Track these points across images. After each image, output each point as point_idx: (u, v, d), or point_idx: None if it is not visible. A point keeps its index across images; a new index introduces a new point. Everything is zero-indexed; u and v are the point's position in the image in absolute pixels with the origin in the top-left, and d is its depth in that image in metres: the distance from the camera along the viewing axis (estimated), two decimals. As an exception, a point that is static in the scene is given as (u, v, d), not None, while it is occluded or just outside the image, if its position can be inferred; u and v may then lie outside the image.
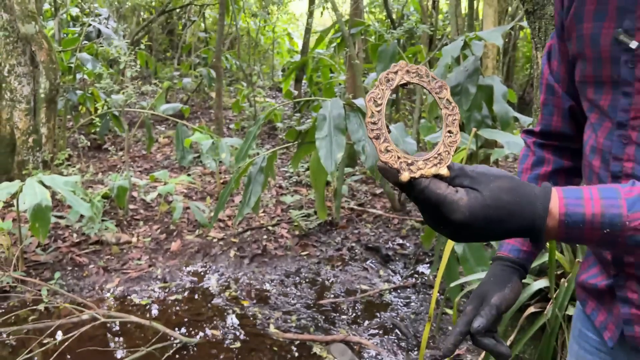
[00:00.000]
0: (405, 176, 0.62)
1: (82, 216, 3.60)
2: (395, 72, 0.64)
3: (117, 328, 2.75)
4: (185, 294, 3.11)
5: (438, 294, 3.05)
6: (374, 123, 0.63)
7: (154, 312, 2.93)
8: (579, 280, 0.95)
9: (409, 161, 0.63)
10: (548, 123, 0.99)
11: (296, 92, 7.23)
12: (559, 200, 0.62)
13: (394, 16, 6.86)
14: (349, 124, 2.95)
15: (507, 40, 3.85)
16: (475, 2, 4.79)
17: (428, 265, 3.46)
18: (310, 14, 7.88)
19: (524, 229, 0.62)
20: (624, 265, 0.80)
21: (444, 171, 0.62)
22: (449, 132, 0.65)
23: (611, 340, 0.86)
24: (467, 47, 3.41)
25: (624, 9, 0.75)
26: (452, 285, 2.09)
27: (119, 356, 2.52)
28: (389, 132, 0.77)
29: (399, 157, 0.63)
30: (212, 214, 3.97)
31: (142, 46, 5.73)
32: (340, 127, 2.85)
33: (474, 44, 3.42)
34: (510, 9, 4.03)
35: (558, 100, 0.96)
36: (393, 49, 4.55)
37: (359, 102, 3.17)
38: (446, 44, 4.76)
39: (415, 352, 2.63)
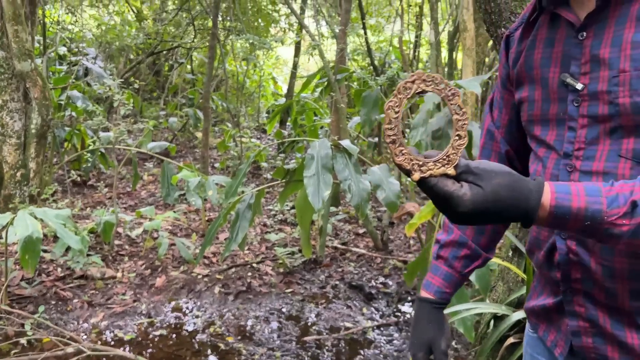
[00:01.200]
0: (416, 176, 0.72)
1: (67, 250, 3.61)
2: (413, 82, 0.73)
3: (102, 362, 2.74)
4: (170, 329, 3.12)
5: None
6: (391, 129, 0.73)
7: (139, 347, 2.93)
8: (528, 307, 1.06)
9: (421, 163, 0.72)
10: None
11: (285, 133, 7.39)
12: (551, 193, 0.72)
13: (376, 64, 7.15)
14: (335, 163, 3.07)
15: (484, 89, 4.08)
16: (454, 53, 5.05)
17: (410, 303, 3.53)
18: (296, 61, 8.15)
19: (517, 218, 0.72)
20: (572, 281, 0.90)
21: (451, 171, 0.72)
22: (458, 135, 0.74)
23: (562, 356, 0.95)
24: (447, 94, 3.60)
25: (570, 56, 0.88)
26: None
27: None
28: (404, 137, 0.88)
29: (411, 160, 0.72)
30: (197, 250, 4.01)
31: (136, 86, 5.84)
32: (327, 166, 2.97)
33: (453, 92, 3.62)
34: (487, 59, 4.28)
35: (496, 145, 1.07)
36: (376, 94, 4.75)
37: (345, 143, 3.30)
38: (427, 91, 4.97)
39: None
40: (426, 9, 6.02)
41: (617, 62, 0.82)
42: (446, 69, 4.96)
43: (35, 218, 2.85)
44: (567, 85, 0.87)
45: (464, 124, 0.74)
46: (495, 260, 1.99)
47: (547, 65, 0.92)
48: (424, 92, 0.73)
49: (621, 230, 0.71)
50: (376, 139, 5.99)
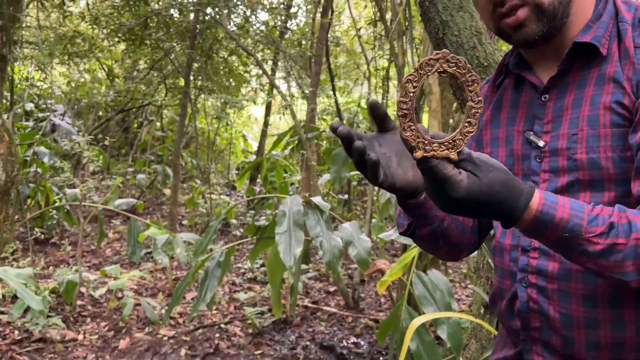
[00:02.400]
0: (419, 154, 0.72)
1: (25, 311, 3.45)
2: (437, 59, 0.72)
3: None
4: (133, 395, 2.97)
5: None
6: (405, 103, 0.71)
7: (99, 415, 2.77)
8: None
9: (426, 142, 0.72)
10: None
11: (257, 189, 7.39)
12: (539, 199, 0.75)
13: (345, 123, 7.31)
14: (307, 220, 3.08)
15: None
16: (420, 114, 5.24)
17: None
18: (266, 122, 8.28)
19: (502, 215, 0.75)
20: (531, 329, 0.92)
21: (453, 156, 0.72)
22: (469, 122, 0.74)
23: None
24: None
25: (534, 116, 0.94)
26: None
27: None
28: (416, 114, 0.88)
29: (418, 137, 0.72)
30: (163, 310, 3.89)
31: (106, 142, 5.81)
32: (299, 223, 2.98)
33: (421, 151, 3.73)
34: (452, 121, 4.45)
35: None
36: (345, 153, 4.84)
37: (317, 199, 3.33)
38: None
39: None
40: (392, 72, 6.27)
41: (576, 121, 0.88)
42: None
43: (-6, 277, 2.74)
44: (531, 142, 0.93)
45: (477, 112, 0.74)
46: (467, 317, 2.00)
47: (512, 125, 0.97)
48: (445, 72, 0.73)
49: (594, 248, 0.74)
50: (346, 196, 6.05)
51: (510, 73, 1.01)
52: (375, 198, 4.82)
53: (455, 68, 0.73)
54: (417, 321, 1.71)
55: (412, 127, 0.72)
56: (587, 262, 0.76)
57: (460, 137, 0.73)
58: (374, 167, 0.78)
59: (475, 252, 2.95)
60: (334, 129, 0.79)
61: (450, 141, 0.73)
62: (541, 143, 0.91)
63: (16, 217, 5.47)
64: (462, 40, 1.79)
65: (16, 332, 3.43)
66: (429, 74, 0.72)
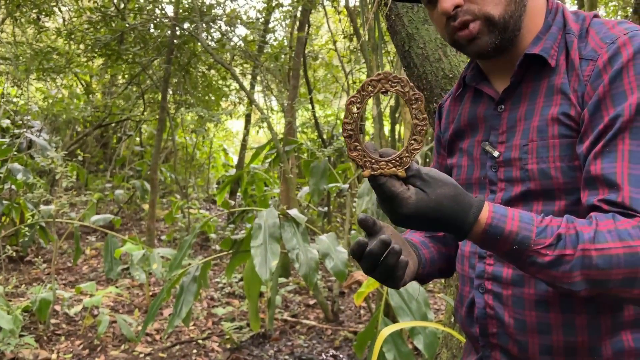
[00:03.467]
0: (366, 172, 0.74)
1: (-3, 331, 3.37)
2: (378, 80, 0.75)
3: None
4: (107, 414, 2.91)
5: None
6: (349, 124, 0.74)
7: None
8: None
9: (373, 160, 0.74)
10: None
11: (236, 203, 7.36)
12: (489, 212, 0.77)
13: (324, 136, 7.36)
14: (283, 233, 3.07)
15: (426, 159, 4.26)
16: (397, 126, 5.30)
17: (361, 376, 3.46)
18: (246, 133, 8.28)
19: (453, 229, 0.77)
20: (489, 335, 0.94)
21: (401, 173, 0.74)
22: (415, 140, 0.76)
23: None
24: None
25: (490, 127, 0.97)
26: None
27: None
28: (361, 133, 0.90)
29: (364, 156, 0.74)
30: (139, 327, 3.83)
31: (80, 158, 5.74)
32: (275, 236, 2.97)
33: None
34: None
35: None
36: (324, 165, 4.86)
37: (293, 212, 3.33)
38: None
39: None
40: (370, 84, 6.33)
41: (527, 132, 0.90)
42: (389, 142, 5.17)
43: (-37, 297, 2.68)
44: (487, 152, 0.96)
45: (422, 129, 0.76)
46: (437, 326, 2.01)
47: (473, 135, 1.00)
48: (387, 92, 0.75)
49: (543, 259, 0.75)
50: (326, 208, 6.06)
51: (467, 86, 1.04)
52: (354, 210, 4.83)
53: (398, 87, 0.75)
54: (387, 330, 1.71)
55: (358, 147, 0.75)
56: (538, 273, 0.78)
57: (407, 154, 0.75)
58: (403, 266, 0.83)
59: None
60: (362, 222, 0.83)
61: (398, 159, 0.75)
62: (496, 153, 0.94)
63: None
64: (428, 52, 1.82)
65: (-13, 352, 3.35)
66: (372, 94, 0.75)
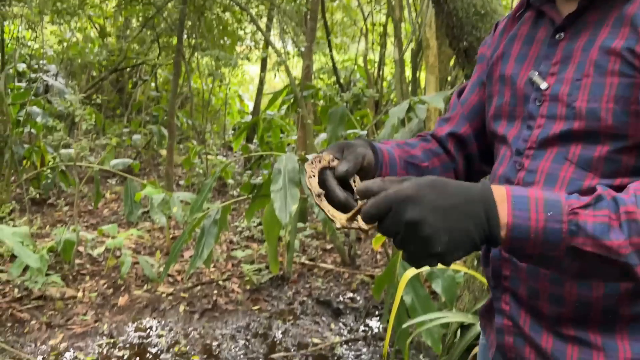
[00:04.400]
0: (337, 225, 0.74)
1: (24, 270, 3.48)
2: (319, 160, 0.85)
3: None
4: (133, 349, 3.03)
5: (389, 346, 3.11)
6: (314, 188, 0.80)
7: (100, 368, 2.83)
8: (479, 311, 1.05)
9: (336, 217, 0.75)
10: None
11: (253, 148, 7.36)
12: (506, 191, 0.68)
13: (342, 81, 7.23)
14: (302, 178, 3.07)
15: (447, 104, 4.18)
16: (417, 71, 5.17)
17: (378, 317, 3.53)
18: (262, 79, 8.17)
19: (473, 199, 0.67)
20: (502, 277, 0.90)
21: (364, 227, 0.71)
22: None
23: (493, 356, 0.95)
24: (411, 110, 3.66)
25: (544, 55, 0.88)
26: (402, 327, 2.17)
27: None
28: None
29: (330, 213, 0.76)
30: (161, 269, 3.92)
31: (98, 100, 5.73)
32: (294, 180, 2.97)
33: (418, 107, 3.69)
34: (449, 77, 4.39)
35: (453, 121, 1.07)
36: (342, 111, 4.79)
37: (311, 157, 3.31)
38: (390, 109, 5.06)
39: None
40: (390, 28, 6.15)
41: (583, 66, 0.81)
42: (410, 86, 5.06)
43: (-9, 236, 2.74)
44: (533, 83, 0.88)
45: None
46: (460, 269, 2.02)
47: (521, 62, 0.92)
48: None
49: (586, 223, 0.65)
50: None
51: (531, 6, 0.95)
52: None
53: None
54: (410, 273, 1.72)
55: (326, 208, 0.77)
56: (581, 253, 0.66)
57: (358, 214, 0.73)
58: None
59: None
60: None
61: (352, 215, 0.74)
62: (543, 85, 0.86)
63: (12, 178, 5.46)
64: (459, -12, 1.74)
65: (16, 290, 3.47)
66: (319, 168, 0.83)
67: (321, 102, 5.95)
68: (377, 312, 3.60)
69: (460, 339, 1.83)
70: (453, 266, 2.22)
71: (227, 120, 10.09)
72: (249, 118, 9.12)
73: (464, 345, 1.81)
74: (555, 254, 0.66)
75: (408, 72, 5.67)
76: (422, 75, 5.22)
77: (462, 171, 1.08)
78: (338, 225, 0.73)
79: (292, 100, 5.46)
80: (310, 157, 0.83)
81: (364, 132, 4.67)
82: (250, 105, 10.80)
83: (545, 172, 0.83)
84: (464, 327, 1.92)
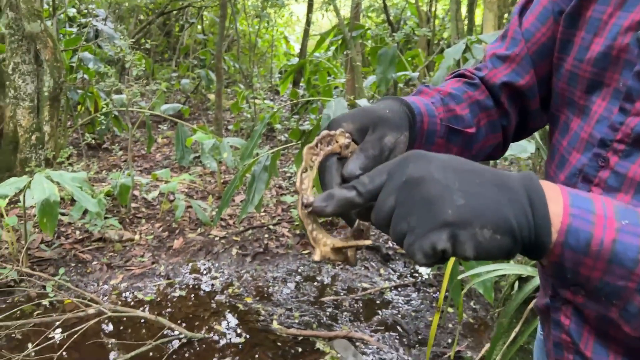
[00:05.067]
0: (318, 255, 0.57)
1: (84, 213, 3.63)
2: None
3: (122, 323, 2.78)
4: (189, 290, 3.14)
5: (438, 291, 3.10)
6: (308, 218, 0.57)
7: (158, 308, 2.96)
8: (535, 305, 0.84)
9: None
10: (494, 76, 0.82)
11: (301, 93, 7.28)
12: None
13: (392, 20, 6.94)
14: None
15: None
16: (474, 7, 4.87)
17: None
18: (309, 20, 7.95)
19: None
20: (563, 285, 0.66)
21: (362, 243, 0.57)
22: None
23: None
24: (468, 51, 3.48)
25: None
26: (456, 279, 2.13)
27: (123, 351, 2.55)
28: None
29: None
30: (213, 212, 4.01)
31: (147, 45, 5.75)
32: (344, 127, 2.90)
33: (474, 48, 3.49)
34: (507, 15, 4.12)
35: (512, 64, 0.79)
36: (393, 52, 4.62)
37: (362, 102, 3.22)
38: (444, 49, 4.84)
39: (417, 348, 2.68)
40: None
41: None
42: (466, 24, 4.79)
43: (52, 181, 2.84)
44: None
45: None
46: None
47: (628, 10, 0.62)
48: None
49: None
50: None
51: None
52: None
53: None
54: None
55: (310, 227, 0.58)
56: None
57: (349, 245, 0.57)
58: None
59: (531, 153, 2.81)
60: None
61: (343, 247, 0.58)
62: None
63: (68, 123, 5.62)
64: None
65: (77, 232, 3.63)
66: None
67: (370, 43, 5.76)
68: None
69: (518, 291, 1.78)
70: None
71: (273, 63, 9.98)
72: (295, 60, 8.98)
73: (521, 298, 1.76)
74: (623, 284, 0.46)
75: (464, 9, 5.37)
76: (479, 12, 4.93)
77: (513, 132, 0.85)
78: (317, 257, 0.55)
79: (340, 42, 5.30)
80: (321, 133, 0.59)
81: (416, 75, 4.50)
82: (296, 47, 10.62)
83: (638, 181, 0.59)
84: (522, 280, 1.86)
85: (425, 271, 3.45)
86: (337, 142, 0.59)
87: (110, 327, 2.74)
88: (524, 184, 0.48)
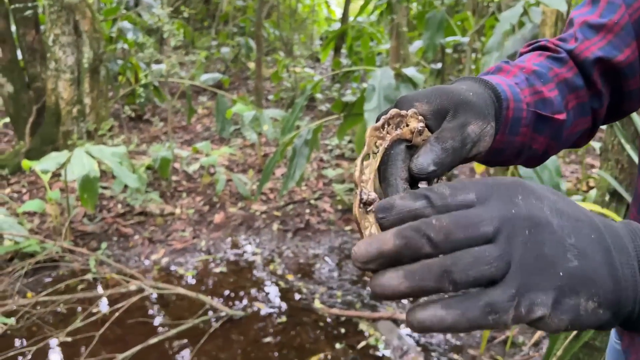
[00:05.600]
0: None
1: (126, 187, 3.61)
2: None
3: (164, 299, 2.75)
4: (230, 266, 3.10)
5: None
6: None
7: (199, 284, 2.93)
8: None
9: None
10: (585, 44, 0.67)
11: (343, 62, 7.07)
12: None
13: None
14: (398, 95, 2.82)
15: (571, 7, 3.63)
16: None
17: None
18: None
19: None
20: None
21: None
22: None
23: None
24: (525, 14, 3.22)
25: None
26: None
27: (165, 328, 2.53)
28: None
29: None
30: (254, 186, 3.94)
31: (185, 15, 5.65)
32: (390, 99, 2.73)
33: (532, 11, 3.23)
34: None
35: (614, 30, 0.65)
36: (441, 15, 4.35)
37: (409, 71, 3.03)
38: (494, 12, 4.53)
39: (466, 333, 2.55)
40: None
41: None
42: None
43: (92, 156, 2.81)
44: None
45: None
46: (588, 205, 1.75)
47: None
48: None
49: None
50: (440, 65, 5.60)
51: None
52: (472, 67, 4.38)
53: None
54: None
55: (368, 231, 0.41)
56: None
57: None
58: None
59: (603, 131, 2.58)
60: None
61: None
62: None
63: (110, 94, 5.63)
64: None
65: (119, 205, 3.62)
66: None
67: (417, 6, 5.47)
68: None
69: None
70: (580, 204, 1.94)
71: (314, 29, 9.74)
72: (337, 26, 8.71)
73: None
74: None
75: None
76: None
77: (603, 115, 0.71)
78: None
79: (384, 5, 5.04)
80: (390, 112, 0.47)
81: (465, 39, 4.23)
82: (338, 12, 10.31)
83: None
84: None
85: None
86: (407, 125, 0.47)
87: (153, 304, 2.73)
88: (633, 238, 0.38)
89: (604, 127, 2.17)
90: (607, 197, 1.72)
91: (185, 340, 2.42)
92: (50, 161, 2.71)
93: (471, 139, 0.48)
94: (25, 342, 2.39)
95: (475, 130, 0.49)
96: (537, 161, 0.67)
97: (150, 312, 2.67)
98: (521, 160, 0.65)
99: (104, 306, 2.68)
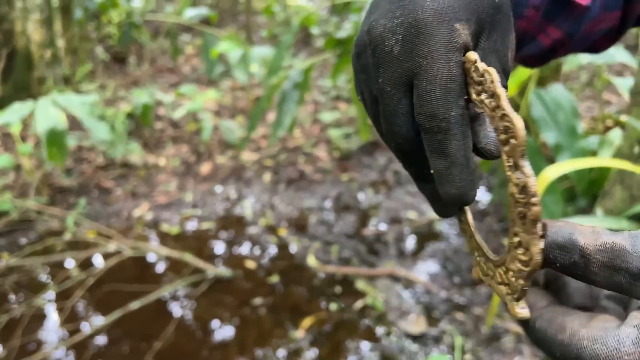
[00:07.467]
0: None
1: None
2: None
3: (149, 260, 2.57)
4: (218, 221, 2.90)
5: (496, 221, 2.75)
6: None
7: (185, 241, 2.74)
8: None
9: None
10: None
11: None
12: None
13: None
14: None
15: None
16: None
17: (485, 189, 3.13)
18: None
19: None
20: None
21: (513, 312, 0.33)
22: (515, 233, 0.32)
23: None
24: None
25: None
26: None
27: (150, 289, 2.36)
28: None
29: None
30: (244, 133, 3.68)
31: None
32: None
33: None
34: None
35: None
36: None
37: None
38: None
39: (471, 287, 2.38)
40: None
41: None
42: None
43: (60, 106, 2.54)
44: None
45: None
46: (614, 164, 1.51)
47: None
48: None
49: None
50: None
51: None
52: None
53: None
54: (550, 172, 1.25)
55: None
56: None
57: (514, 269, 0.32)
58: None
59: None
60: None
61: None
62: None
63: (92, 36, 5.26)
64: None
65: (100, 157, 3.39)
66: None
67: None
68: (481, 184, 3.19)
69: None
70: (599, 161, 1.69)
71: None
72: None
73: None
74: None
75: None
76: None
77: (638, 13, 0.53)
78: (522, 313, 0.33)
79: None
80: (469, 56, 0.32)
81: None
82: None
83: None
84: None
85: (480, 198, 3.07)
86: (472, 78, 0.32)
87: (136, 264, 2.55)
88: None
89: (633, 63, 1.88)
90: (636, 149, 1.47)
91: (171, 304, 2.26)
92: (12, 114, 2.45)
93: (510, 67, 0.37)
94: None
95: (510, 54, 0.37)
96: (535, 61, 0.53)
97: (134, 272, 2.49)
98: (516, 54, 0.51)
99: (82, 267, 2.50)
